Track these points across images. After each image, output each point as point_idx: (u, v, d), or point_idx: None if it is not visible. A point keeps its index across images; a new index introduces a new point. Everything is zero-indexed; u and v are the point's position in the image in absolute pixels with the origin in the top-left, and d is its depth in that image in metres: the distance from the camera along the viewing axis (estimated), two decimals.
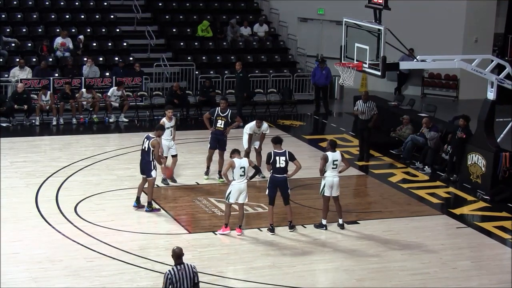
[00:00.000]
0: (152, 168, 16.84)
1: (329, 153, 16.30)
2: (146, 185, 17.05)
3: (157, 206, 17.18)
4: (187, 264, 10.85)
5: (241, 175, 15.73)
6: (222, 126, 18.86)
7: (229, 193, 15.82)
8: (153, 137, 16.81)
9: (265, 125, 19.42)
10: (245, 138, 19.27)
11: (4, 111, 24.08)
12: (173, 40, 29.60)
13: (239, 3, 32.42)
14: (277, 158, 16.04)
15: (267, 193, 16.22)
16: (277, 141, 16.32)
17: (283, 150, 16.19)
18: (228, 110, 19.05)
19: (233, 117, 19.18)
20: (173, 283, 10.66)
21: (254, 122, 19.31)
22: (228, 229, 15.94)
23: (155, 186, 17.64)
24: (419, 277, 14.49)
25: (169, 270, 10.76)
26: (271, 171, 16.09)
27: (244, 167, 15.73)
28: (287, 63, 29.99)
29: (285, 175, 16.11)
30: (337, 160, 16.27)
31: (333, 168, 16.25)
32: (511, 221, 17.49)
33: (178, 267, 10.76)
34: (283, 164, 16.04)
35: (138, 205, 17.08)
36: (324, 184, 16.26)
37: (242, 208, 16.04)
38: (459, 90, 30.40)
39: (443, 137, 21.39)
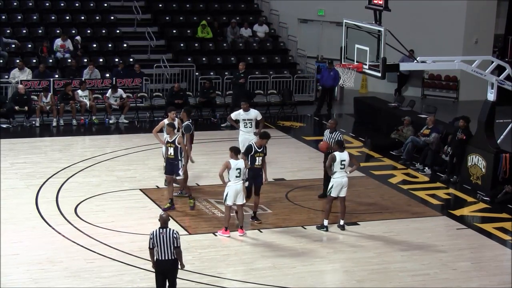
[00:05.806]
0: (180, 167, 16.99)
1: (337, 153, 16.30)
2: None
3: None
4: (170, 229, 12.05)
5: (236, 176, 15.74)
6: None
7: (226, 194, 15.84)
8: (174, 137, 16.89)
9: (255, 111, 19.40)
10: (240, 138, 19.24)
11: (4, 112, 24.08)
12: (173, 41, 29.59)
13: (239, 4, 32.43)
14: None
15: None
16: (264, 136, 16.74)
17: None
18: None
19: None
20: (154, 243, 12.02)
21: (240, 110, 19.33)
22: (228, 232, 15.92)
23: (156, 187, 17.66)
24: (419, 278, 14.49)
25: (153, 231, 12.06)
26: (249, 163, 16.35)
27: (240, 168, 15.75)
28: (287, 64, 29.98)
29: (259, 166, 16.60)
30: (344, 160, 16.25)
31: (341, 168, 16.23)
32: (511, 222, 17.50)
33: (161, 230, 12.04)
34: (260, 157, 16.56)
35: (172, 206, 17.14)
36: (332, 185, 16.27)
37: (241, 209, 16.04)
38: (459, 91, 30.39)
39: (443, 138, 21.38)
